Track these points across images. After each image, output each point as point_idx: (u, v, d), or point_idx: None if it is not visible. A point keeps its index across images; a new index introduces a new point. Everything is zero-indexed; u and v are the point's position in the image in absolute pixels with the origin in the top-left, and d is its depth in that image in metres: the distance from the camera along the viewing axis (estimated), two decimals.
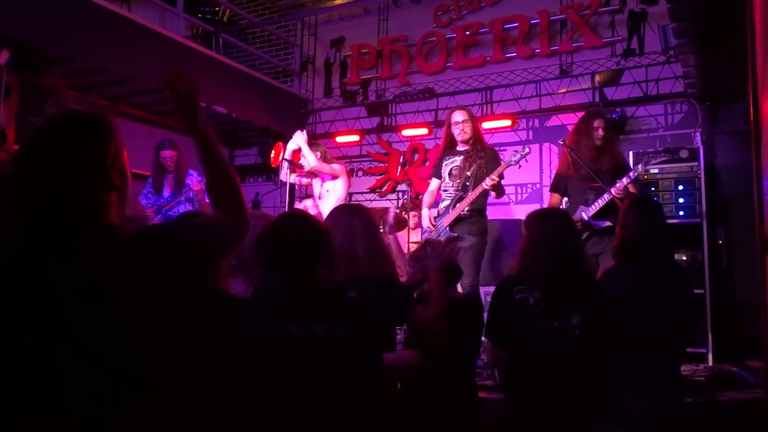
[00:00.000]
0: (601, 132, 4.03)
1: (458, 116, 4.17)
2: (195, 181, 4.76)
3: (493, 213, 5.36)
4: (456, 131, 4.13)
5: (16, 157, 1.21)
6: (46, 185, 1.15)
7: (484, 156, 4.08)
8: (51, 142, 1.20)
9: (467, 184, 4.01)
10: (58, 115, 1.27)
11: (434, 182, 4.30)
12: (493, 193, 3.97)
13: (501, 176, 3.95)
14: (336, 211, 2.42)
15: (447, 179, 4.16)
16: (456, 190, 4.08)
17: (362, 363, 1.76)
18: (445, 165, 4.19)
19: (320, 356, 1.69)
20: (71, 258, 1.11)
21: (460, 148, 4.18)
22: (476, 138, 4.17)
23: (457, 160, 4.14)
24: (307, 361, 1.69)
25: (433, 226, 4.10)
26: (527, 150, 4.07)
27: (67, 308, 1.08)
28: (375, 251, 2.26)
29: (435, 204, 4.30)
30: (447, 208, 4.09)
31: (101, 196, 1.20)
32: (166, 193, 4.77)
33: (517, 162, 4.07)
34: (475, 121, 4.23)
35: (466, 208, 3.98)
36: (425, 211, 4.20)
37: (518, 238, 2.56)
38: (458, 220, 4.00)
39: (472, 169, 4.03)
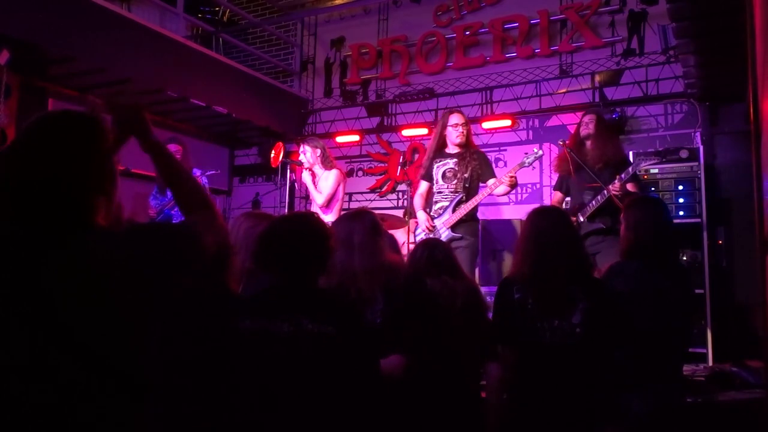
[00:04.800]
0: (584, 126, 4.10)
1: (457, 119, 4.24)
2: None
3: (492, 213, 5.39)
4: (455, 134, 4.20)
5: (6, 154, 1.19)
6: (37, 184, 1.14)
7: (477, 159, 4.20)
8: (43, 141, 1.19)
9: (467, 186, 4.10)
10: (50, 113, 1.26)
11: (424, 185, 4.36)
12: (508, 188, 4.05)
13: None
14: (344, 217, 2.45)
15: (440, 181, 4.22)
16: (453, 192, 4.14)
17: (351, 361, 1.77)
18: (437, 167, 4.26)
19: (308, 353, 1.71)
20: (62, 258, 1.10)
21: (451, 150, 4.26)
22: (468, 141, 4.28)
23: (450, 162, 4.22)
24: (295, 358, 1.70)
25: (432, 227, 4.12)
26: (540, 152, 4.17)
27: (58, 309, 1.07)
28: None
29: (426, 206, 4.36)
30: (445, 209, 4.13)
31: (91, 198, 1.19)
32: (170, 192, 4.78)
33: (531, 164, 4.20)
34: (469, 125, 4.33)
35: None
36: (421, 214, 4.22)
37: (517, 238, 2.56)
38: (458, 222, 4.06)
39: (469, 171, 4.12)
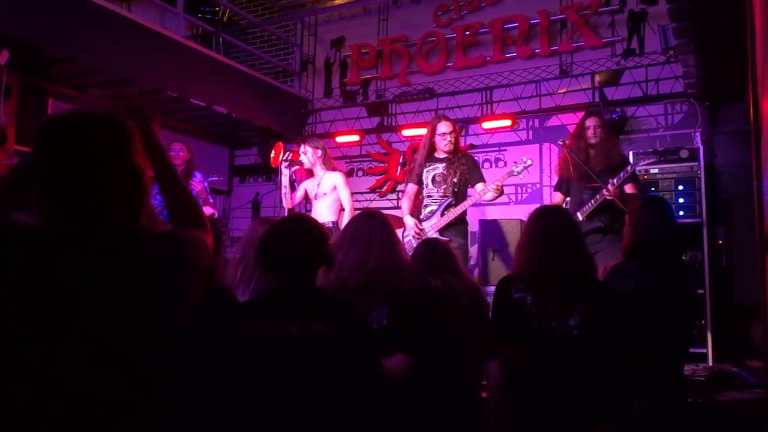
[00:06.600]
0: (592, 131, 4.09)
1: (445, 127, 4.28)
2: (196, 181, 4.79)
3: (493, 213, 5.39)
4: (443, 142, 4.25)
5: (35, 155, 1.19)
6: (64, 185, 1.15)
7: (465, 163, 4.26)
8: (71, 143, 1.18)
9: (456, 190, 4.16)
10: (78, 114, 1.25)
11: (412, 188, 4.40)
12: (493, 195, 4.07)
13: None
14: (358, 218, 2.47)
15: (430, 185, 4.28)
16: (443, 197, 4.19)
17: (358, 361, 1.80)
18: (427, 172, 4.31)
19: (317, 353, 1.74)
20: (83, 256, 1.11)
21: (440, 155, 4.31)
22: (457, 147, 4.33)
23: (439, 167, 4.27)
24: (305, 358, 1.72)
25: (420, 230, 4.16)
26: (529, 162, 4.20)
27: (79, 305, 1.08)
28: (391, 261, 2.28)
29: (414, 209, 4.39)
30: (433, 213, 4.19)
31: (120, 199, 1.20)
32: None
33: (519, 173, 4.22)
34: (457, 131, 4.38)
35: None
36: (408, 219, 4.26)
37: (518, 238, 2.56)
38: (446, 226, 4.11)
39: (458, 175, 4.18)
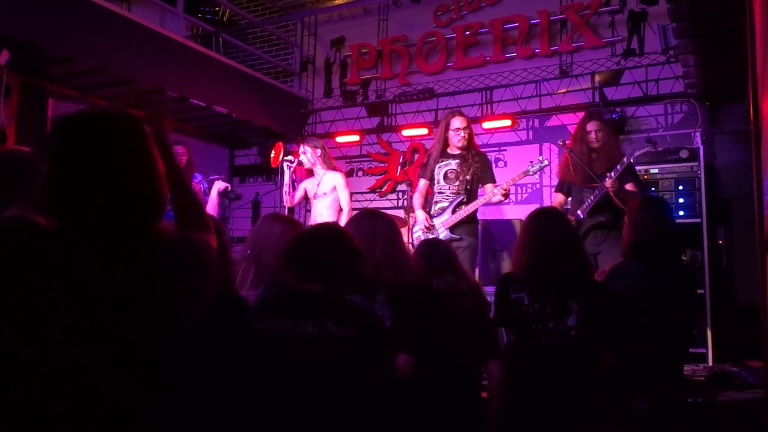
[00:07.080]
0: (594, 135, 4.08)
1: (459, 123, 4.24)
2: (195, 182, 4.79)
3: (493, 213, 5.39)
4: (456, 138, 4.21)
5: (62, 156, 1.18)
6: (105, 190, 1.15)
7: (479, 161, 4.22)
8: (103, 144, 1.18)
9: (468, 188, 4.13)
10: (101, 114, 1.24)
11: (423, 183, 4.37)
12: (501, 197, 4.07)
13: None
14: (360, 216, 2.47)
15: (442, 181, 4.24)
16: (455, 194, 4.16)
17: (370, 363, 1.82)
18: (439, 168, 4.27)
19: (331, 355, 1.76)
20: (99, 255, 1.12)
21: (453, 151, 4.27)
22: (470, 143, 4.29)
23: (452, 163, 4.23)
24: (318, 359, 1.75)
25: (430, 225, 4.13)
26: (546, 162, 4.19)
27: (106, 309, 1.09)
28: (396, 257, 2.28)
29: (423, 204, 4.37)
30: (444, 210, 4.16)
31: (159, 200, 1.21)
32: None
33: (535, 173, 4.22)
34: (471, 127, 4.33)
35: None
36: (420, 213, 4.23)
37: (517, 238, 2.56)
38: (457, 224, 4.09)
39: (470, 173, 4.14)
